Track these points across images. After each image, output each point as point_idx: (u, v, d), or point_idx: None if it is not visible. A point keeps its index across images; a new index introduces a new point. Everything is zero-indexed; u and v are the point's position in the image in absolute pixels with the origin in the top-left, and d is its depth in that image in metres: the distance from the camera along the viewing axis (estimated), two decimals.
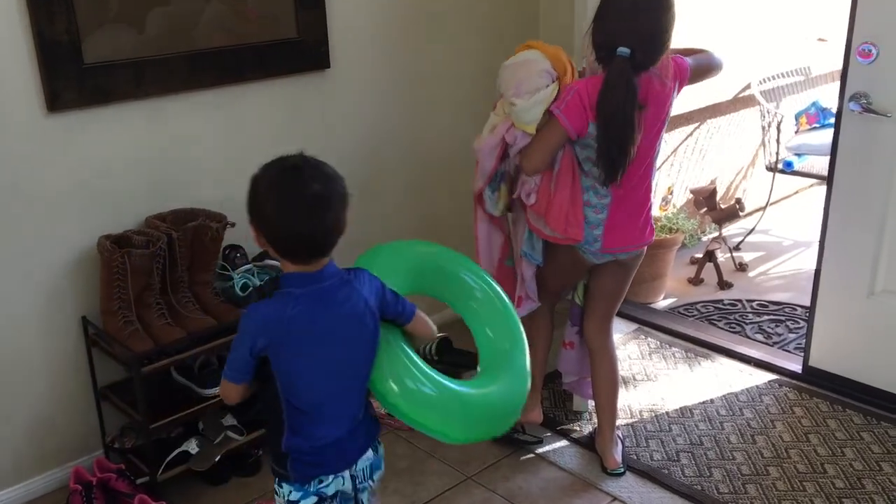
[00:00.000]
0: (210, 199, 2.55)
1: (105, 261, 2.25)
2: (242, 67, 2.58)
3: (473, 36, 3.18)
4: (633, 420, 2.75)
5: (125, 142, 2.39)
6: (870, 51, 2.54)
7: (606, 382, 2.53)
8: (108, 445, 2.47)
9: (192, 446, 2.41)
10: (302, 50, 2.69)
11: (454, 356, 3.14)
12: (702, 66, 2.34)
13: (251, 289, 2.44)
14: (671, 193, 4.00)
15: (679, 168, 4.09)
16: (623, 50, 2.05)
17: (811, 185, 4.96)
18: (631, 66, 2.06)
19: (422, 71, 3.06)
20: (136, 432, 2.42)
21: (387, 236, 3.10)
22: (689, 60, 2.28)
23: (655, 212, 3.75)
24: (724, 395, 2.87)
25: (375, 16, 2.87)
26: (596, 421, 2.61)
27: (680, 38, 2.18)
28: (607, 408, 2.54)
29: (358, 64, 2.86)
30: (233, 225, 2.46)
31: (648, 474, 2.48)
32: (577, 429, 2.71)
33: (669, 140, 3.94)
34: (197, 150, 2.55)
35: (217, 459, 2.40)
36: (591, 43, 2.17)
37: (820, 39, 4.71)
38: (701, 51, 2.38)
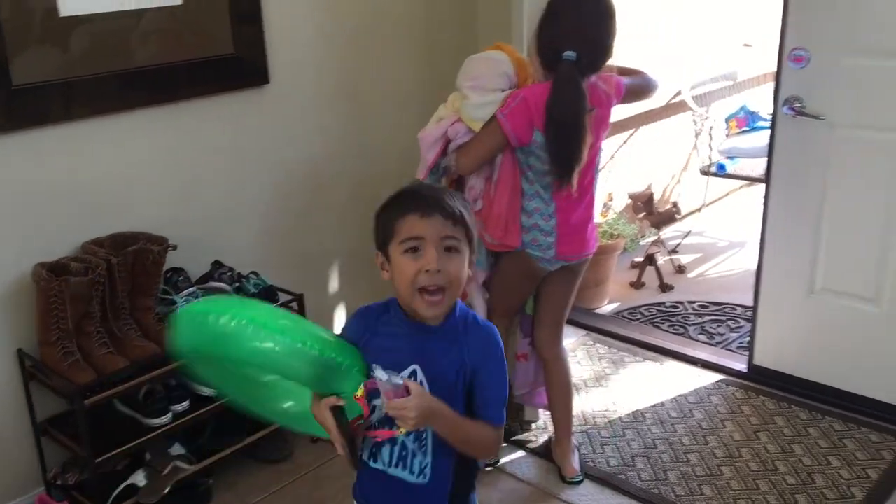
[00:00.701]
0: (150, 221, 2.47)
1: (41, 290, 2.15)
2: (177, 86, 2.50)
3: (413, 49, 3.17)
4: (588, 427, 2.76)
5: (58, 165, 2.29)
6: (801, 56, 2.61)
7: (561, 391, 2.54)
8: (49, 482, 2.36)
9: (139, 479, 2.32)
10: (239, 66, 2.63)
11: None
12: (637, 87, 2.39)
13: None
14: (611, 199, 4.05)
15: (617, 174, 4.15)
16: (569, 54, 2.07)
17: (741, 187, 5.09)
18: (578, 70, 2.08)
19: (362, 84, 3.03)
20: (80, 467, 2.31)
21: (332, 250, 3.08)
22: (624, 80, 2.31)
23: (597, 218, 3.79)
24: (674, 398, 2.91)
25: (315, 30, 2.83)
26: (552, 430, 2.61)
27: (616, 47, 2.21)
28: (563, 416, 2.54)
29: (298, 79, 2.82)
30: (174, 247, 2.38)
31: (606, 481, 2.49)
32: (534, 439, 2.71)
33: (606, 147, 3.98)
34: (133, 171, 2.47)
35: (166, 491, 2.31)
36: (535, 49, 2.19)
37: (745, 45, 4.85)
38: (637, 72, 2.41)
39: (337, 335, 1.48)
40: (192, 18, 2.50)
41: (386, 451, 1.46)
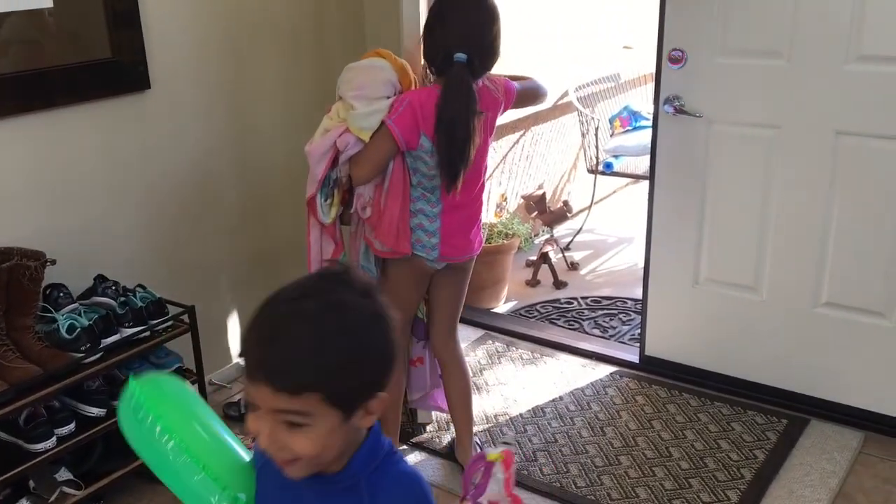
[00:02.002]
0: (24, 236, 2.34)
1: None
2: (51, 92, 2.38)
3: (300, 50, 3.12)
4: (490, 425, 2.79)
5: None
6: (679, 56, 2.71)
7: (460, 391, 2.54)
8: None
9: None
10: (118, 71, 2.52)
11: None
12: (528, 92, 2.43)
13: (79, 329, 2.25)
14: (505, 200, 4.10)
15: (509, 175, 4.21)
16: (460, 56, 2.09)
17: (627, 184, 5.27)
18: (469, 71, 2.09)
19: (247, 89, 2.96)
20: None
21: (223, 258, 3.00)
22: (516, 84, 2.35)
23: (491, 218, 3.84)
24: (571, 391, 2.97)
25: (197, 32, 2.75)
26: (453, 430, 2.62)
27: (506, 51, 2.25)
28: (464, 416, 2.55)
29: (181, 83, 2.73)
30: (53, 262, 2.26)
31: None
32: (437, 440, 2.71)
33: (498, 148, 4.05)
34: (4, 183, 2.33)
35: None
36: (423, 53, 2.19)
37: (626, 47, 5.01)
38: (527, 78, 2.46)
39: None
40: (64, 22, 2.39)
41: None
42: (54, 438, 2.19)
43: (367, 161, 2.19)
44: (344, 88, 2.23)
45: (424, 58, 2.22)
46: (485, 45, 2.14)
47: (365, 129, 2.16)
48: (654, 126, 2.85)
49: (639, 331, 3.19)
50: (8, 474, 2.12)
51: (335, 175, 2.28)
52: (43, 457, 2.17)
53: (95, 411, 2.30)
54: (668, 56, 2.74)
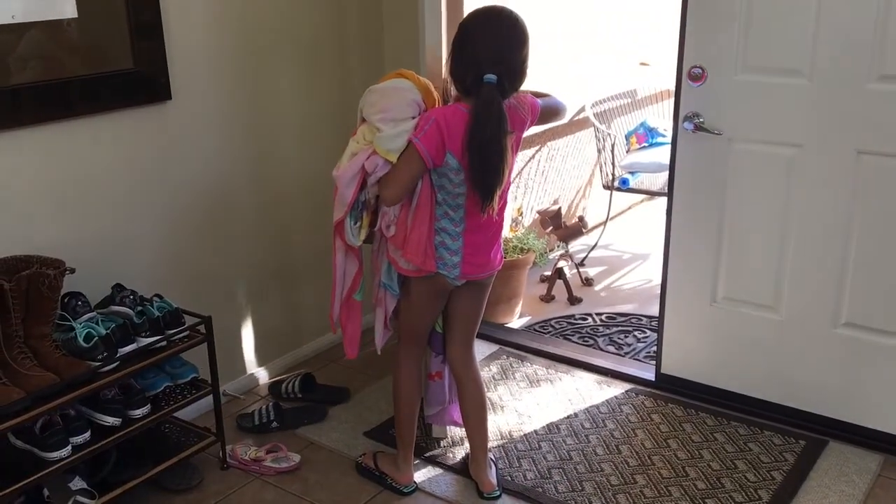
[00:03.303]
0: (44, 243, 2.35)
1: None
2: (72, 102, 2.40)
3: (319, 63, 3.14)
4: (504, 441, 2.77)
5: None
6: (699, 74, 2.71)
7: (476, 406, 2.53)
8: None
9: None
10: (139, 81, 2.54)
11: (318, 393, 3.05)
12: (549, 109, 2.43)
13: (96, 338, 2.26)
14: (521, 215, 4.10)
15: (525, 190, 4.21)
16: (490, 77, 2.08)
17: (642, 201, 5.26)
18: (498, 92, 2.09)
19: (269, 100, 2.98)
20: None
21: (240, 269, 3.00)
22: (539, 101, 2.35)
23: (507, 233, 3.84)
24: (586, 408, 2.95)
25: (219, 44, 2.76)
26: (467, 446, 2.61)
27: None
28: (478, 432, 2.54)
29: (201, 95, 2.74)
30: (72, 271, 2.27)
31: (524, 494, 2.50)
32: (451, 455, 2.69)
33: (514, 163, 4.04)
34: (25, 192, 2.34)
35: None
36: (450, 72, 2.19)
37: (642, 63, 5.02)
38: (546, 95, 2.46)
39: None
40: (88, 32, 2.41)
41: None
42: (70, 447, 2.20)
43: (396, 181, 2.18)
44: (369, 111, 2.21)
45: (451, 76, 2.20)
46: (514, 66, 2.13)
47: (393, 150, 2.15)
48: (674, 143, 2.84)
49: (654, 348, 3.17)
50: (23, 482, 2.12)
51: (363, 197, 2.28)
52: (58, 465, 2.17)
53: (111, 420, 2.30)
54: (689, 73, 2.73)
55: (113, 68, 2.48)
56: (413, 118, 2.18)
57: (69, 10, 2.34)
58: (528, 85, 2.44)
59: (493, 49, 2.11)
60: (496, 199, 2.16)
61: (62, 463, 2.17)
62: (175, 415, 2.54)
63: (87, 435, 2.25)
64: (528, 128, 2.34)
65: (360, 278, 2.42)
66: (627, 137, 4.72)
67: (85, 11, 2.37)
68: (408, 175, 2.17)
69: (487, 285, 2.44)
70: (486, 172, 2.12)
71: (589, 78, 4.43)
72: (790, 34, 2.54)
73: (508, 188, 2.30)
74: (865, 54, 2.43)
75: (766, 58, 2.60)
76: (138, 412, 2.36)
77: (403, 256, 2.26)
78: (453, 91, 2.24)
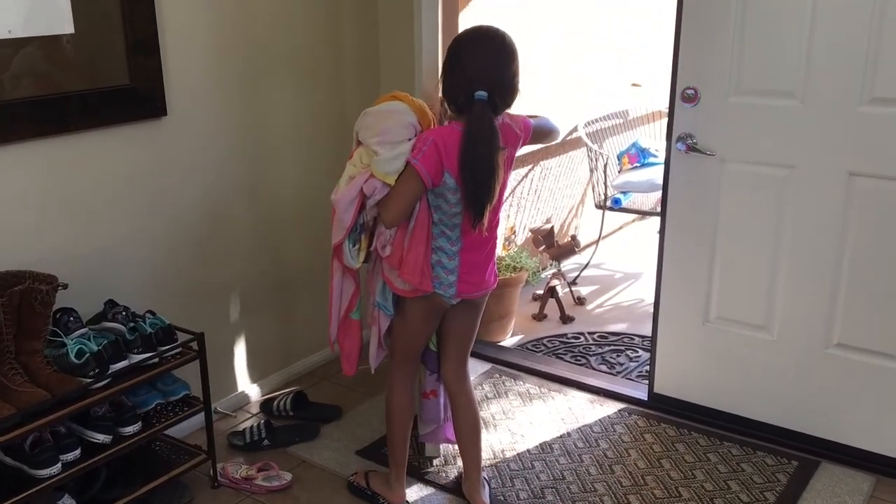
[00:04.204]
0: (37, 258, 2.34)
1: None
2: (67, 117, 2.39)
3: (316, 81, 3.14)
4: (497, 460, 2.76)
5: None
6: (693, 95, 2.73)
7: (469, 425, 2.52)
8: None
9: None
10: (135, 97, 2.54)
11: (310, 410, 3.03)
12: (542, 130, 2.45)
13: (88, 355, 2.24)
14: (514, 233, 4.11)
15: (518, 208, 4.22)
16: (481, 94, 2.09)
17: (634, 220, 5.28)
18: (490, 108, 2.10)
19: (264, 117, 2.98)
20: None
21: (232, 286, 2.99)
22: (532, 121, 2.37)
23: (499, 251, 3.84)
24: (579, 428, 2.94)
25: (215, 62, 2.77)
26: (460, 465, 2.59)
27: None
28: (472, 450, 2.53)
29: (197, 112, 2.74)
30: (65, 286, 2.25)
31: None
32: (444, 474, 2.68)
33: (508, 183, 4.06)
34: (18, 206, 2.33)
35: None
36: (443, 92, 2.20)
37: (634, 84, 5.05)
38: (538, 117, 2.48)
39: None
40: (84, 48, 2.41)
41: None
42: (59, 464, 2.17)
43: (396, 203, 2.18)
44: (365, 134, 2.22)
45: (444, 96, 2.22)
46: (504, 82, 2.15)
47: (390, 173, 2.16)
48: (667, 164, 2.85)
49: (646, 367, 3.17)
50: (11, 500, 2.09)
51: (362, 220, 2.28)
52: (47, 483, 2.15)
53: (101, 437, 2.27)
54: (682, 94, 2.76)
55: (109, 84, 2.48)
56: (409, 140, 2.19)
57: (66, 26, 2.35)
58: (521, 105, 2.46)
59: (483, 67, 2.13)
60: (486, 215, 2.17)
61: (51, 480, 2.15)
62: (166, 432, 2.52)
63: (78, 452, 2.23)
64: (522, 146, 2.35)
65: (357, 298, 2.42)
66: (619, 157, 4.74)
67: (82, 27, 2.38)
68: (408, 197, 2.18)
69: (482, 304, 2.45)
70: (478, 187, 2.13)
71: (581, 98, 4.46)
72: (783, 57, 2.57)
73: (501, 205, 2.31)
74: (857, 77, 2.46)
75: (758, 80, 2.63)
76: (129, 429, 2.34)
77: (400, 276, 2.26)
78: (448, 112, 2.26)
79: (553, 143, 2.63)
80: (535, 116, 2.46)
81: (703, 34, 2.68)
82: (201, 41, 2.71)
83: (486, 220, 2.18)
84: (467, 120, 2.12)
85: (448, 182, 2.15)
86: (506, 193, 2.38)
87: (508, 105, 2.20)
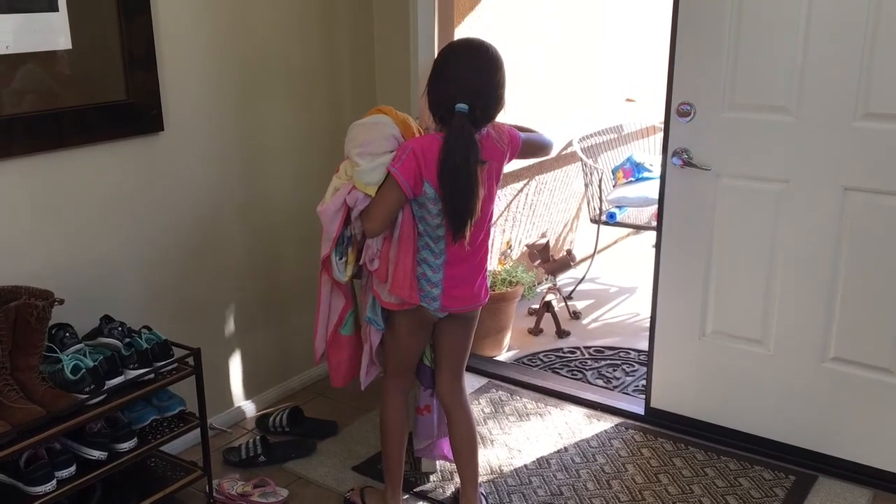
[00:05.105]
0: (33, 274, 2.33)
1: None
2: (64, 132, 2.39)
3: (312, 97, 3.15)
4: (494, 476, 2.75)
5: None
6: (688, 110, 2.74)
7: (466, 440, 2.51)
8: None
9: None
10: (132, 113, 2.54)
11: (306, 426, 3.02)
12: (534, 144, 2.45)
13: (83, 371, 2.23)
14: (509, 248, 4.11)
15: (513, 223, 4.23)
16: (462, 106, 2.10)
17: (628, 234, 5.29)
18: (471, 121, 2.11)
19: (261, 132, 2.98)
20: None
21: (229, 301, 2.99)
22: (521, 135, 2.37)
23: (495, 266, 3.84)
24: (576, 443, 2.94)
25: (212, 77, 2.77)
26: (457, 480, 2.58)
27: (511, 103, 2.27)
28: (469, 466, 2.52)
29: (193, 127, 2.75)
30: (61, 302, 2.24)
31: None
32: (441, 490, 2.67)
33: (502, 196, 4.07)
34: (13, 221, 2.33)
35: None
36: (426, 104, 2.21)
37: (628, 100, 5.08)
38: (533, 130, 2.48)
39: None
40: (81, 63, 2.41)
41: None
42: (54, 481, 2.16)
43: (377, 212, 2.19)
44: (348, 146, 2.24)
45: (429, 108, 2.23)
46: (486, 94, 2.15)
47: (371, 184, 2.17)
48: (662, 178, 2.86)
49: (642, 382, 3.17)
50: None
51: (349, 233, 2.29)
52: (42, 500, 2.13)
53: (97, 454, 2.26)
54: (677, 109, 2.77)
55: (106, 100, 2.48)
56: (390, 152, 2.19)
57: (63, 42, 2.35)
58: (516, 120, 2.46)
59: (465, 79, 2.13)
60: (468, 229, 2.17)
61: (46, 497, 2.13)
62: (161, 448, 2.51)
63: (73, 469, 2.21)
64: (509, 160, 2.35)
65: (346, 314, 2.41)
66: (614, 172, 4.76)
67: (79, 43, 2.38)
68: (388, 205, 2.18)
69: (474, 318, 2.44)
70: (456, 199, 2.13)
71: (576, 113, 4.48)
72: (777, 72, 2.58)
73: (489, 220, 2.30)
74: (851, 92, 2.48)
75: (753, 95, 2.64)
76: (125, 446, 2.33)
77: (390, 290, 2.26)
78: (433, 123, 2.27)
79: (547, 157, 2.64)
80: (529, 130, 2.46)
81: (697, 50, 2.69)
82: (198, 57, 2.72)
83: (468, 235, 2.18)
84: (447, 132, 2.13)
85: (428, 192, 2.15)
86: (496, 208, 2.38)
87: (491, 118, 2.20)
